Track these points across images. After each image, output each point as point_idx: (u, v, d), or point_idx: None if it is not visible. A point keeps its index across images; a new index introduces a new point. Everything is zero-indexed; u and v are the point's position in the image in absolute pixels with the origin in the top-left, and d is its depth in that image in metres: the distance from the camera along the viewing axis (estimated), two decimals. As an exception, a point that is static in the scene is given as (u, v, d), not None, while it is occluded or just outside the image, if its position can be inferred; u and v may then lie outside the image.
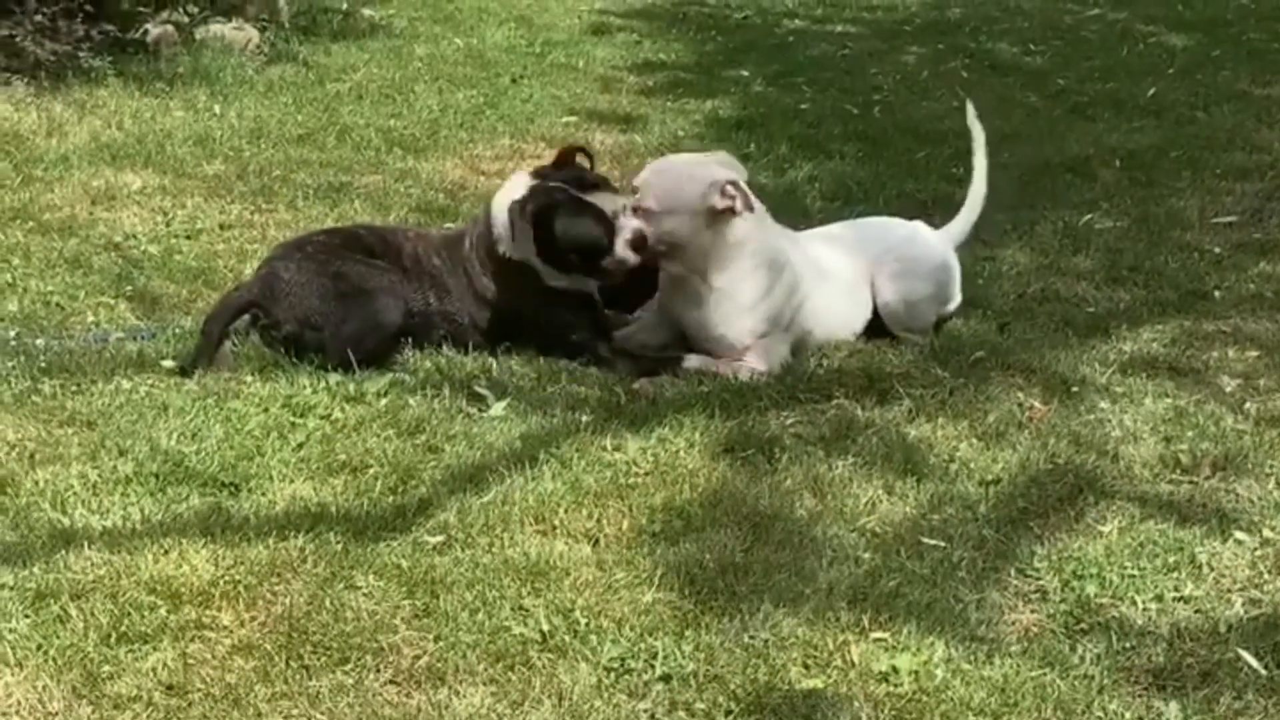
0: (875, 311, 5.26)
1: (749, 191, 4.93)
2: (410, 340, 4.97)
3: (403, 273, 4.99)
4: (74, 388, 4.57)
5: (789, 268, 5.03)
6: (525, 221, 4.84)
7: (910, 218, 6.51)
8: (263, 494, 4.04)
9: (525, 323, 5.00)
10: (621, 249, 4.88)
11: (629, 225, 4.88)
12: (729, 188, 4.86)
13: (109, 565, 3.61)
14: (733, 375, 4.85)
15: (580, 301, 5.04)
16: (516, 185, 4.98)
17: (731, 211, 4.86)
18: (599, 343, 5.04)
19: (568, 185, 4.95)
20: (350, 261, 4.92)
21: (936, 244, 5.47)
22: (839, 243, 5.37)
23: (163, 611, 3.46)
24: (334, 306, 4.82)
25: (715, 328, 4.98)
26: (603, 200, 4.96)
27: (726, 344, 4.98)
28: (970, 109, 5.69)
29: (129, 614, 3.43)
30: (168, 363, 4.75)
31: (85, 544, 3.69)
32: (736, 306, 4.95)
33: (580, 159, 5.16)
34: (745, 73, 9.29)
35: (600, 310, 5.13)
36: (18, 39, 7.96)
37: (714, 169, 4.97)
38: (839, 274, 5.22)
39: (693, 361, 4.98)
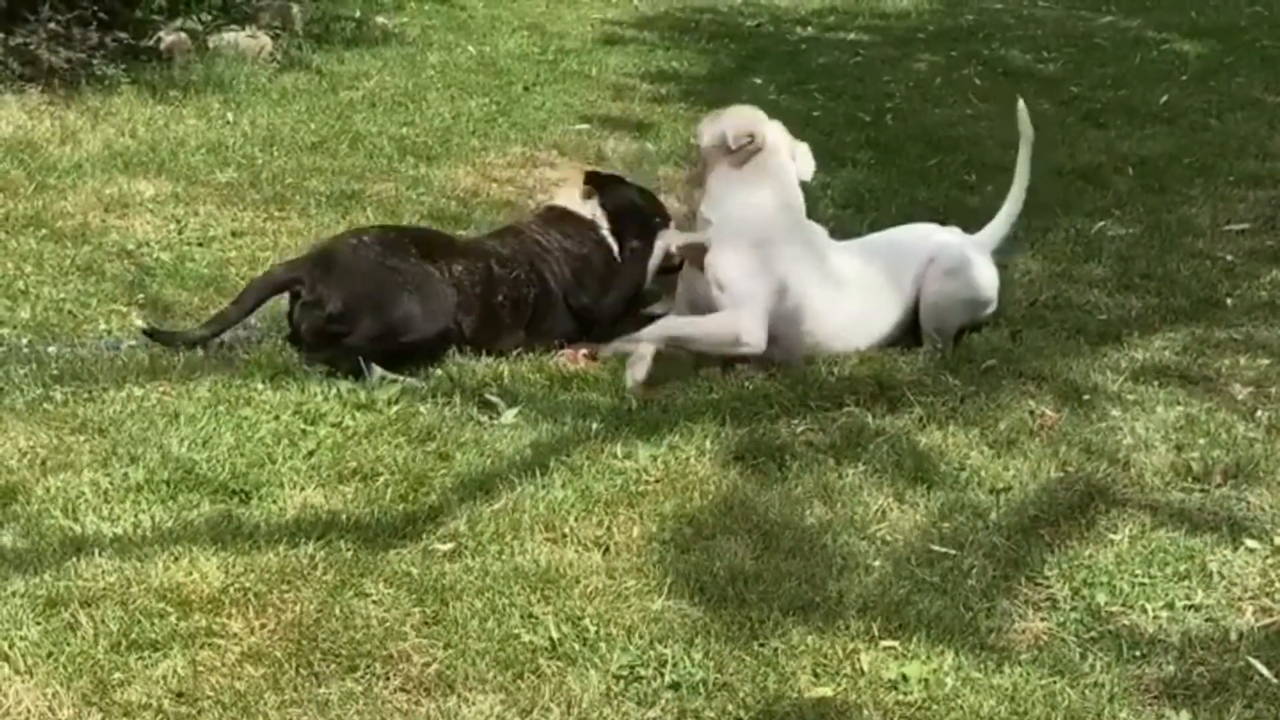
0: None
1: (762, 141, 5.22)
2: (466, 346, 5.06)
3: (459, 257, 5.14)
4: (85, 395, 4.58)
5: (779, 257, 5.12)
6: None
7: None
8: (273, 501, 4.04)
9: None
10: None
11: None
12: (744, 137, 5.18)
13: (119, 572, 3.62)
14: (710, 342, 5.02)
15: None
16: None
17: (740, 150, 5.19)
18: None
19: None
20: (405, 259, 4.98)
21: (975, 247, 5.47)
22: (875, 253, 5.41)
23: (173, 619, 3.46)
24: (383, 298, 4.87)
25: (710, 267, 5.12)
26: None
27: (716, 285, 5.09)
28: (1022, 109, 5.69)
29: (139, 621, 3.44)
30: (139, 324, 4.89)
31: (96, 551, 3.70)
32: (729, 242, 5.11)
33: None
34: (757, 80, 9.28)
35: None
36: (32, 46, 7.97)
37: (743, 118, 5.35)
38: (859, 282, 5.23)
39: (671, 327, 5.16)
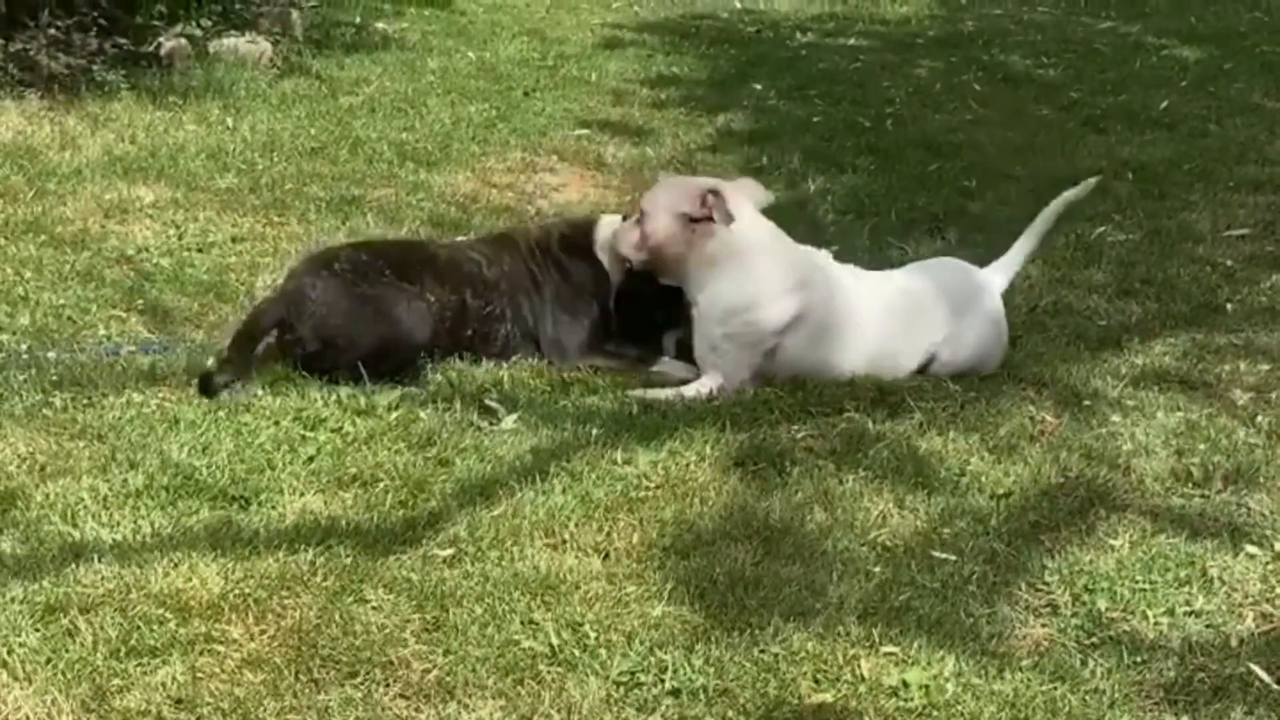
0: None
1: (731, 206, 4.84)
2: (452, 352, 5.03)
3: (438, 276, 5.05)
4: (85, 401, 4.57)
5: (788, 289, 4.91)
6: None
7: (924, 230, 6.58)
8: (273, 507, 4.03)
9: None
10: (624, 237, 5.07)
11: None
12: (709, 197, 4.85)
13: (119, 579, 3.61)
14: (678, 398, 4.82)
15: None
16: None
17: (709, 220, 4.85)
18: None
19: None
20: (377, 283, 4.93)
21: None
22: (905, 286, 5.17)
23: (172, 625, 3.45)
24: (360, 328, 4.84)
25: (693, 344, 4.99)
26: None
27: (698, 357, 4.98)
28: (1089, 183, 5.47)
29: (138, 627, 3.43)
30: (193, 381, 4.73)
31: (95, 557, 3.69)
32: (706, 321, 4.93)
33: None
34: (758, 86, 9.30)
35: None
36: (31, 52, 7.98)
37: (703, 180, 5.03)
38: (876, 312, 5.04)
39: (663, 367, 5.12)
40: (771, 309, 4.87)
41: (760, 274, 4.89)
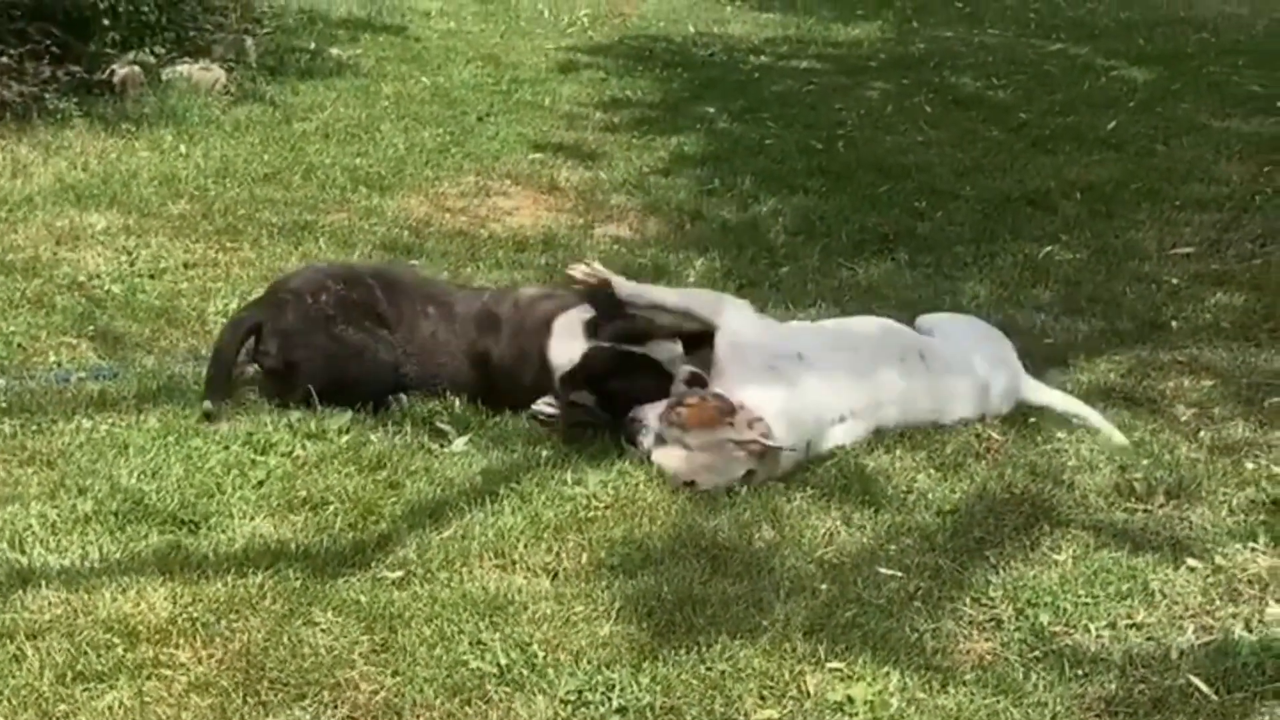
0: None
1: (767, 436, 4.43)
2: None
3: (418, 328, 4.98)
4: (34, 427, 4.57)
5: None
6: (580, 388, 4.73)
7: (874, 251, 6.64)
8: (222, 531, 4.04)
9: None
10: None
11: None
12: (753, 445, 4.40)
13: (66, 604, 3.61)
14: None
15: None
16: (571, 341, 4.87)
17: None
18: None
19: (619, 341, 4.82)
20: (354, 325, 4.92)
21: None
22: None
23: (120, 650, 3.45)
24: (323, 365, 4.85)
25: None
26: (657, 350, 4.82)
27: None
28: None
29: (85, 653, 3.43)
30: (204, 407, 4.70)
31: (43, 583, 3.69)
32: None
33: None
34: (710, 109, 9.35)
35: None
36: (-16, 80, 7.99)
37: (736, 430, 4.42)
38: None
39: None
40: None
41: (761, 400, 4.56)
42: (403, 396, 4.92)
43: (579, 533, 4.09)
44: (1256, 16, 12.75)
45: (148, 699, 3.30)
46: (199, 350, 5.23)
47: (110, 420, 4.64)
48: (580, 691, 3.40)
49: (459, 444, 4.63)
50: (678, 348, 4.81)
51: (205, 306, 5.67)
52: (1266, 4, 13.56)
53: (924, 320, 5.23)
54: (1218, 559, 4.03)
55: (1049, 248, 6.71)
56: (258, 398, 4.87)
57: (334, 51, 10.32)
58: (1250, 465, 4.57)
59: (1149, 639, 3.69)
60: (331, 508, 4.18)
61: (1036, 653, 3.62)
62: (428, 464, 4.49)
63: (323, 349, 4.86)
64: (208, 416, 4.68)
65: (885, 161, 8.12)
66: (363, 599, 3.71)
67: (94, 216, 6.62)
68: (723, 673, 3.48)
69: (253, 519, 4.11)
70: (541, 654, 3.51)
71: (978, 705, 3.39)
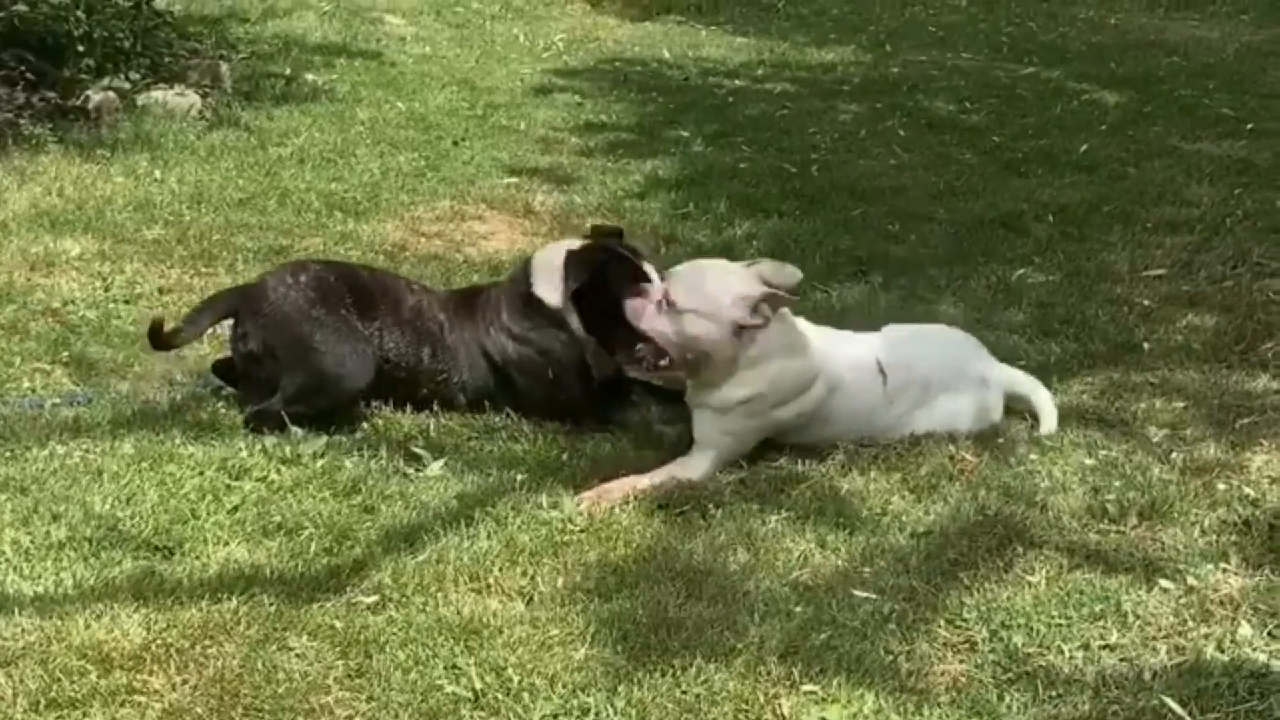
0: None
1: (777, 304, 4.67)
2: (388, 399, 5.04)
3: (399, 325, 5.06)
4: (8, 454, 4.56)
5: (807, 379, 4.79)
6: (578, 269, 4.97)
7: (848, 274, 6.67)
8: (196, 557, 4.04)
9: (528, 380, 5.07)
10: (648, 317, 4.74)
11: (656, 289, 4.79)
12: (763, 306, 4.63)
13: (40, 631, 3.61)
14: (648, 485, 4.55)
15: (584, 370, 5.06)
16: (562, 245, 5.17)
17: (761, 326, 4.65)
18: (587, 414, 5.08)
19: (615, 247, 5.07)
20: (334, 312, 4.95)
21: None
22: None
23: (93, 677, 3.45)
24: (301, 351, 4.87)
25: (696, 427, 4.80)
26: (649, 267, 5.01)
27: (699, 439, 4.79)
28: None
29: (59, 680, 3.42)
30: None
31: (16, 610, 3.68)
32: (720, 410, 4.76)
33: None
34: (685, 133, 9.37)
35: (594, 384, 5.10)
36: (-42, 107, 7.98)
37: (751, 283, 4.68)
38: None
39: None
40: (790, 406, 4.78)
41: (785, 372, 4.75)
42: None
43: (554, 556, 4.10)
44: (1227, 40, 12.83)
45: (121, 726, 3.30)
46: (174, 376, 5.23)
47: (84, 446, 4.64)
48: (555, 716, 3.41)
49: (434, 468, 4.64)
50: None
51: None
52: (1236, 28, 13.66)
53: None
54: (1190, 580, 4.05)
55: (1021, 270, 6.74)
56: (232, 423, 4.86)
57: (309, 77, 10.32)
58: (1222, 486, 4.59)
59: (1122, 660, 3.71)
60: (306, 533, 4.18)
61: (1010, 674, 3.64)
62: (403, 488, 4.49)
63: (297, 333, 4.88)
64: (154, 332, 4.88)
65: (859, 185, 8.15)
66: (338, 624, 3.72)
67: (68, 242, 6.61)
68: (698, 696, 3.49)
69: (227, 544, 4.11)
70: (517, 678, 3.52)
71: (952, 727, 3.41)
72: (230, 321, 5.03)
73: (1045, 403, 5.08)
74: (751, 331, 4.65)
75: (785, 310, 4.75)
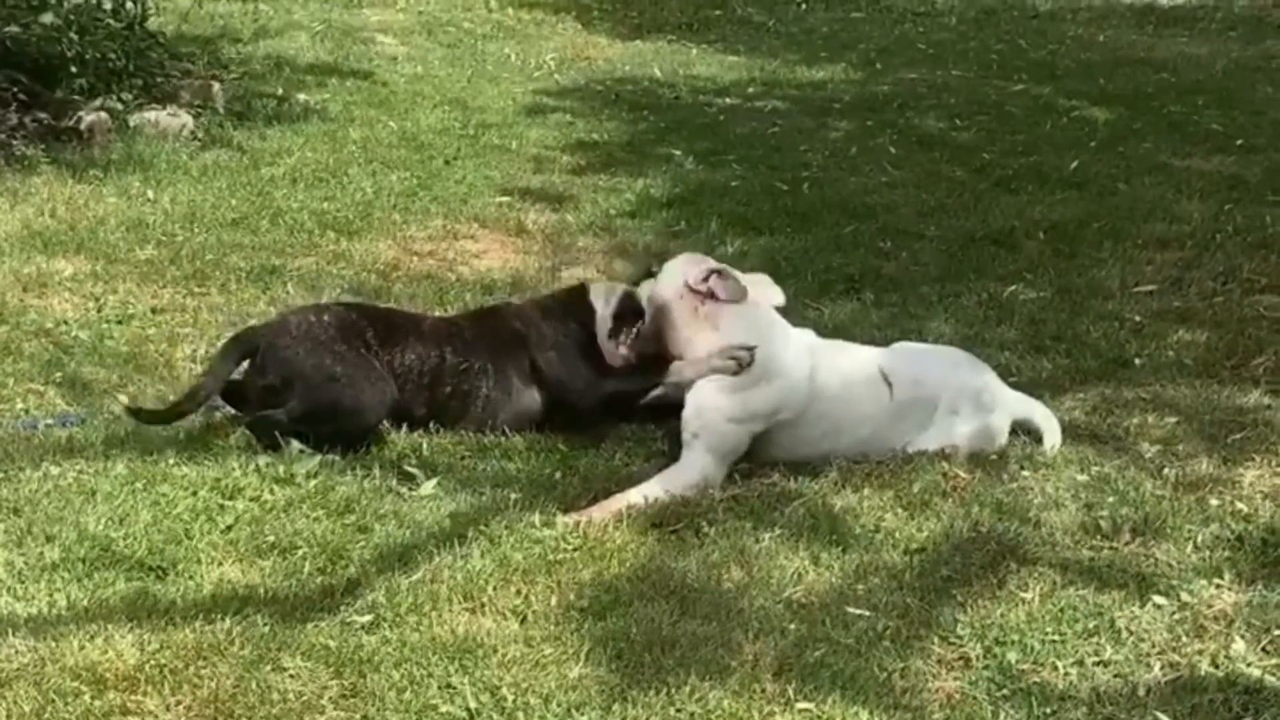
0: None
1: (729, 285, 4.95)
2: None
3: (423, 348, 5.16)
4: (1, 475, 4.55)
5: (781, 379, 4.92)
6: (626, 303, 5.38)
7: (840, 291, 6.68)
8: (190, 577, 4.04)
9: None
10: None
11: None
12: (713, 276, 4.96)
13: (33, 652, 3.60)
14: (639, 499, 4.59)
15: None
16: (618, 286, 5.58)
17: (711, 296, 4.95)
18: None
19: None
20: (355, 349, 5.00)
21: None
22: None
23: (87, 698, 3.45)
24: (320, 381, 4.90)
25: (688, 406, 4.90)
26: None
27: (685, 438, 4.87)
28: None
29: (53, 701, 3.42)
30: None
31: (9, 632, 3.68)
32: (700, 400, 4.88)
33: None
34: (676, 151, 9.38)
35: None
36: (-50, 128, 7.98)
37: (707, 262, 5.12)
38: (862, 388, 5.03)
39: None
40: (760, 392, 4.87)
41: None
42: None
43: (548, 575, 4.10)
44: (1216, 57, 12.87)
45: (116, 747, 3.30)
46: (167, 396, 5.23)
47: (78, 467, 4.63)
48: (550, 734, 3.41)
49: (428, 487, 4.64)
50: None
51: (173, 352, 5.67)
52: (1225, 44, 13.71)
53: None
54: (1184, 595, 4.06)
55: (1013, 286, 6.76)
56: (225, 443, 4.87)
57: (301, 97, 10.32)
58: (1215, 501, 4.61)
59: (1116, 676, 3.72)
60: (300, 552, 4.18)
61: (1005, 691, 3.65)
62: (396, 507, 4.49)
63: (317, 366, 4.92)
64: (134, 414, 4.87)
65: (850, 202, 8.17)
66: (331, 644, 3.72)
67: (61, 263, 6.61)
68: (692, 714, 3.50)
69: (221, 564, 4.11)
70: (511, 697, 3.52)
71: (946, 744, 3.41)
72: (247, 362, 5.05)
73: (1051, 429, 5.09)
74: (702, 299, 4.95)
75: (760, 301, 5.02)
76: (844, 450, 4.90)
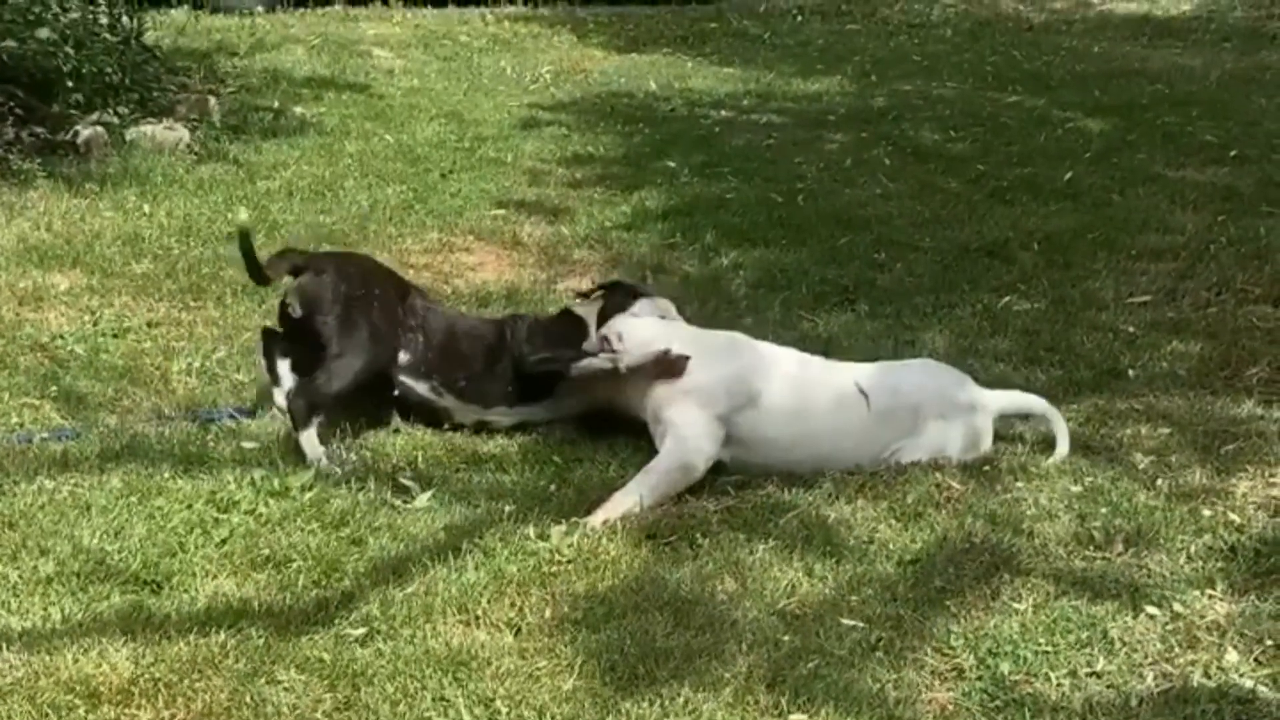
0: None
1: (616, 343, 5.09)
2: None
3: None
4: (-4, 489, 4.57)
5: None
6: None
7: (835, 303, 6.69)
8: (185, 591, 4.04)
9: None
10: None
11: None
12: (604, 342, 5.14)
13: (28, 666, 3.61)
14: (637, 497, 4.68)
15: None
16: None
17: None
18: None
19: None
20: (383, 297, 5.27)
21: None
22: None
23: (81, 711, 3.45)
24: (341, 313, 5.11)
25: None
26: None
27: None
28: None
29: (47, 715, 3.43)
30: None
31: (4, 645, 3.68)
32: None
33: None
34: (672, 164, 9.40)
35: None
36: (-54, 142, 7.99)
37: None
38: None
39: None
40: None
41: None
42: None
43: (542, 587, 4.11)
44: (1209, 68, 12.92)
45: (110, 760, 3.30)
46: (162, 409, 5.24)
47: (73, 481, 4.64)
48: (544, 747, 3.41)
49: (422, 500, 4.65)
50: None
51: (169, 366, 5.68)
52: (1219, 56, 13.75)
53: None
54: (1176, 606, 4.07)
55: (1007, 298, 6.77)
56: (220, 456, 4.87)
57: (297, 110, 10.35)
58: (1208, 512, 4.61)
59: (1109, 687, 3.72)
60: (294, 565, 4.19)
61: (998, 702, 3.65)
62: (391, 520, 4.50)
63: (344, 300, 5.13)
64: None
65: (845, 214, 8.18)
66: (326, 657, 3.72)
67: (57, 277, 6.62)
68: (686, 726, 3.50)
69: (215, 578, 4.12)
70: (505, 709, 3.53)
71: (940, 754, 3.42)
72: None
73: (1056, 422, 5.17)
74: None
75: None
76: (830, 459, 4.92)
